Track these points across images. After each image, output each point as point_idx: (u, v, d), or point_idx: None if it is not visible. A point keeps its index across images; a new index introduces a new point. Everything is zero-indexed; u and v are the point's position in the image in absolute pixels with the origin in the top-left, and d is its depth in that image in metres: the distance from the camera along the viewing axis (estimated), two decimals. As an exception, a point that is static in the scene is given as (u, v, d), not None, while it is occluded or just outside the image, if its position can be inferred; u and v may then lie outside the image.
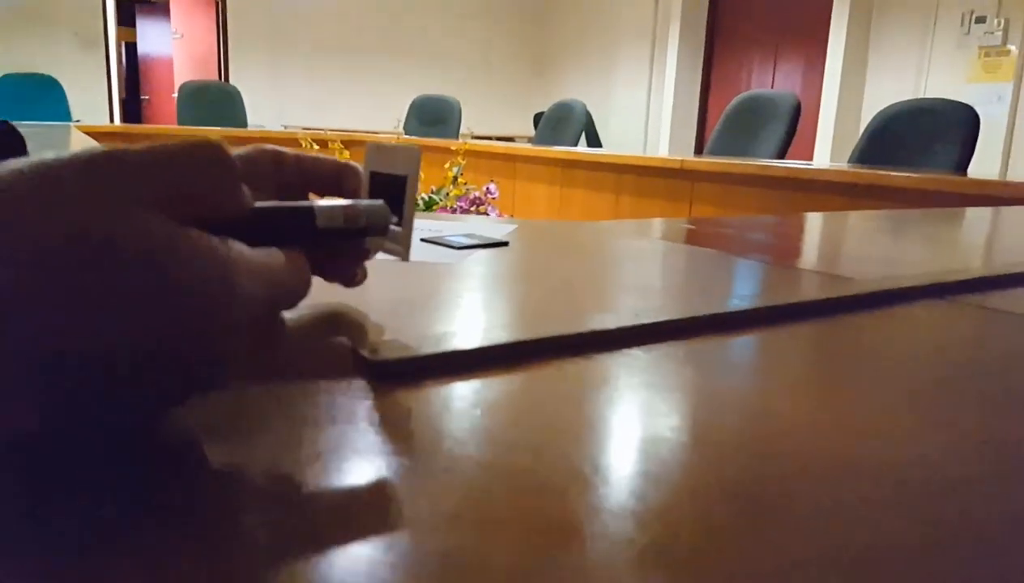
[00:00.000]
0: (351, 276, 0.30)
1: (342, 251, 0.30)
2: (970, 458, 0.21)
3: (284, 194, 0.29)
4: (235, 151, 0.28)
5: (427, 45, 7.06)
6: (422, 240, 0.50)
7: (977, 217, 1.01)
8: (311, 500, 0.17)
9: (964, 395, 0.27)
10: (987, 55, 4.07)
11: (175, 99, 4.50)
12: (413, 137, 3.94)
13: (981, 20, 4.07)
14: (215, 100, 4.41)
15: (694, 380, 0.27)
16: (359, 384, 0.24)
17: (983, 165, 3.66)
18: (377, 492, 0.18)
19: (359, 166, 0.31)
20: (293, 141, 2.75)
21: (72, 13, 5.94)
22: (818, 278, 0.48)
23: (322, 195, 0.31)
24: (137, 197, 0.18)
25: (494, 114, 7.07)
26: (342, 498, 0.17)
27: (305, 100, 6.69)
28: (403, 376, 0.25)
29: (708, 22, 6.02)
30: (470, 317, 0.35)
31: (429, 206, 2.09)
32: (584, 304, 0.39)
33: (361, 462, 0.19)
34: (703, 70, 6.13)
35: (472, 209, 2.08)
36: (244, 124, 4.38)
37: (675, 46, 6.01)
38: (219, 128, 4.01)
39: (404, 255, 0.29)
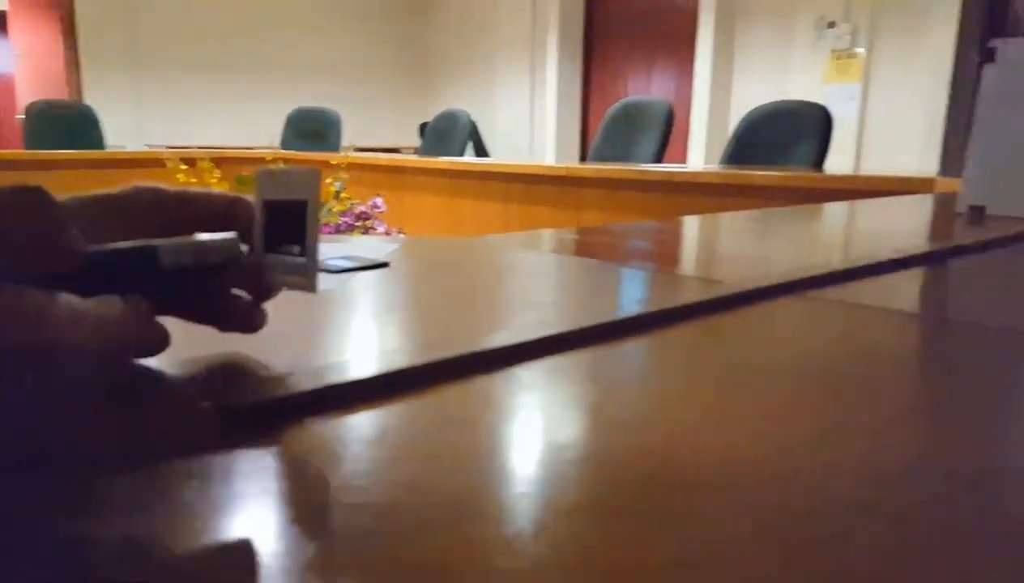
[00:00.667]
0: (250, 321, 0.27)
1: (230, 295, 0.27)
2: (832, 451, 0.23)
3: (169, 236, 0.26)
4: (113, 190, 0.25)
5: (301, 58, 6.85)
6: None
7: (833, 212, 1.09)
8: (169, 565, 0.16)
9: (816, 388, 0.29)
10: (839, 58, 4.46)
11: (21, 121, 4.13)
12: (291, 152, 3.80)
13: (832, 25, 4.46)
14: (67, 120, 4.07)
15: (575, 394, 0.28)
16: (225, 433, 0.23)
17: (841, 159, 3.99)
18: (240, 550, 0.16)
19: (251, 198, 0.28)
20: (157, 161, 2.59)
21: None
22: (692, 282, 0.50)
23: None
24: None
25: (377, 125, 6.96)
26: (202, 559, 0.16)
27: (170, 118, 6.30)
28: (273, 418, 0.23)
29: (584, 31, 6.22)
30: (346, 348, 0.34)
31: (314, 224, 2.03)
32: (466, 324, 0.38)
33: (225, 519, 0.18)
34: (582, 78, 6.32)
35: (358, 224, 2.04)
36: (101, 145, 4.06)
37: (554, 55, 6.17)
38: (73, 150, 3.71)
39: (311, 287, 0.26)
